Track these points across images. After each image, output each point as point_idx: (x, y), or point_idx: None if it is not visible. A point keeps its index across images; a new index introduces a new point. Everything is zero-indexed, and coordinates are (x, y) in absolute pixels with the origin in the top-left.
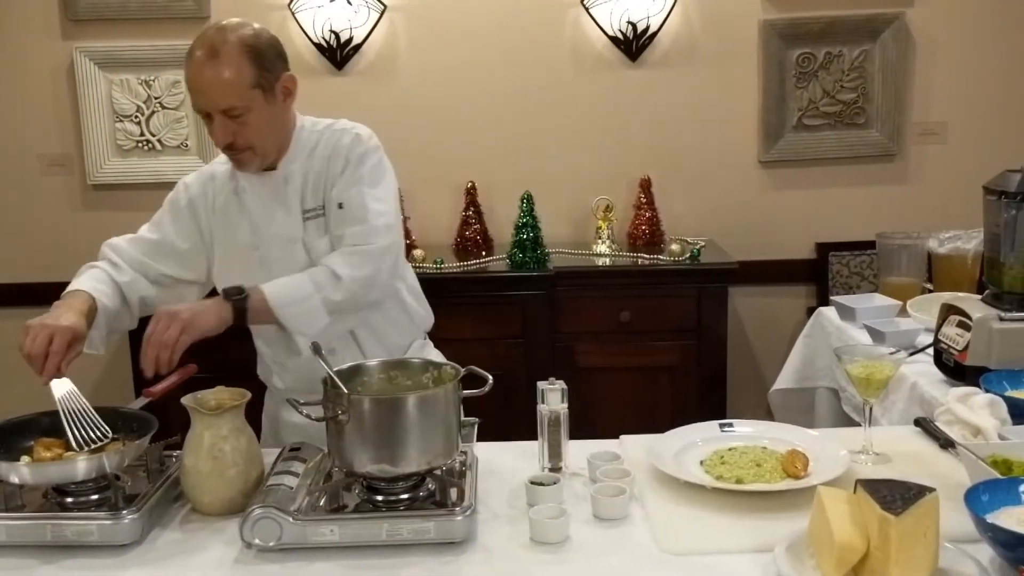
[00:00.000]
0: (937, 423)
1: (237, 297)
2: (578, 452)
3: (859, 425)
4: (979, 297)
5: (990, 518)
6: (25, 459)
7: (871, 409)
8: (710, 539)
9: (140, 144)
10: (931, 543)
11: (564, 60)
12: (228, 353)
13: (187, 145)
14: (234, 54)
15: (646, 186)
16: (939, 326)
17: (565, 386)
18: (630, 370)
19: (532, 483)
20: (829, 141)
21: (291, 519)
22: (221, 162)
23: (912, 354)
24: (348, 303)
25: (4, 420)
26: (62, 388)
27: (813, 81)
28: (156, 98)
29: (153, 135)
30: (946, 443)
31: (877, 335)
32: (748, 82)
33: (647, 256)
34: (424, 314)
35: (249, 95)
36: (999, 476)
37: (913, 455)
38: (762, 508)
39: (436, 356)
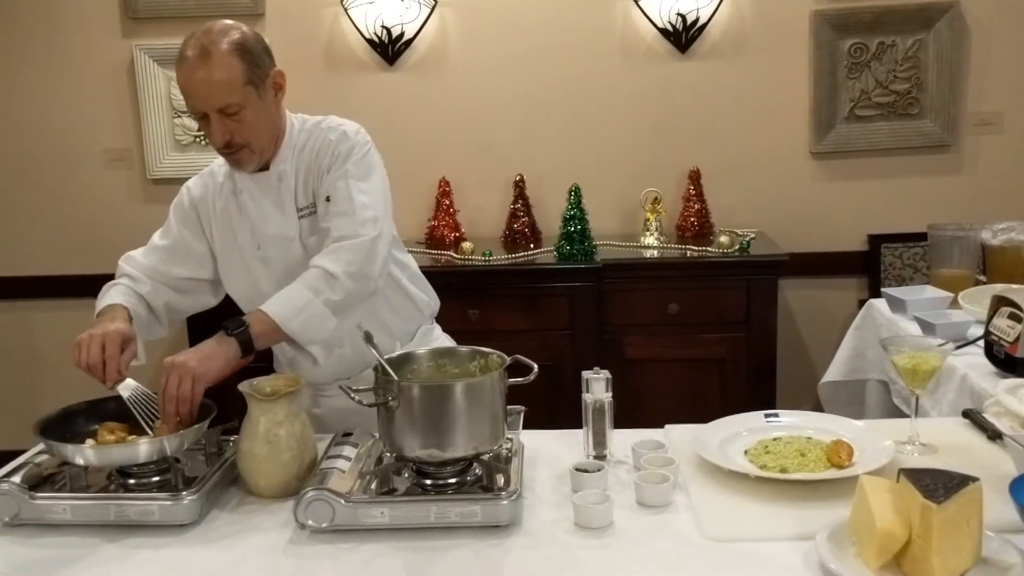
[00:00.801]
0: (985, 415)
1: (238, 331)
2: (623, 441)
3: (908, 417)
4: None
5: None
6: (90, 442)
7: (917, 400)
8: (753, 526)
9: (197, 139)
10: (974, 532)
11: (613, 52)
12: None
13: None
14: (225, 53)
15: (695, 178)
16: (990, 318)
17: (609, 375)
18: (678, 362)
19: (576, 470)
20: (882, 132)
21: (343, 501)
22: (219, 164)
23: (962, 346)
24: (348, 300)
25: (70, 405)
26: (128, 388)
27: (866, 71)
28: None
29: None
30: (994, 434)
31: (927, 327)
32: (799, 73)
33: (696, 248)
34: (427, 300)
35: (243, 92)
36: None
37: (960, 446)
38: (805, 497)
39: (444, 340)
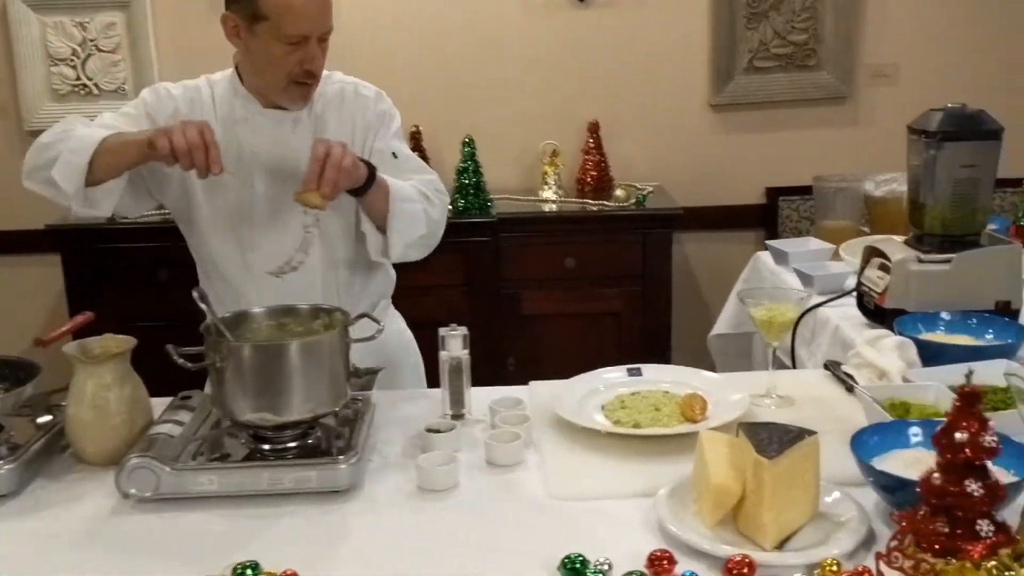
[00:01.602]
0: (847, 366)
1: (371, 166)
2: (486, 399)
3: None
4: (902, 239)
5: (878, 461)
6: None
7: (774, 352)
8: (599, 484)
9: (76, 88)
10: (810, 487)
11: (511, 1)
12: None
13: (124, 89)
14: None
15: (594, 130)
16: (862, 269)
17: (467, 332)
18: (575, 316)
19: (428, 431)
20: (780, 83)
21: (168, 468)
22: (203, 84)
23: (835, 298)
24: (435, 229)
25: None
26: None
27: (764, 22)
28: (91, 40)
29: (89, 79)
30: (851, 387)
31: (806, 279)
32: (698, 23)
33: (594, 202)
34: (393, 275)
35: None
36: (891, 418)
37: (818, 399)
38: (657, 453)
39: (396, 318)
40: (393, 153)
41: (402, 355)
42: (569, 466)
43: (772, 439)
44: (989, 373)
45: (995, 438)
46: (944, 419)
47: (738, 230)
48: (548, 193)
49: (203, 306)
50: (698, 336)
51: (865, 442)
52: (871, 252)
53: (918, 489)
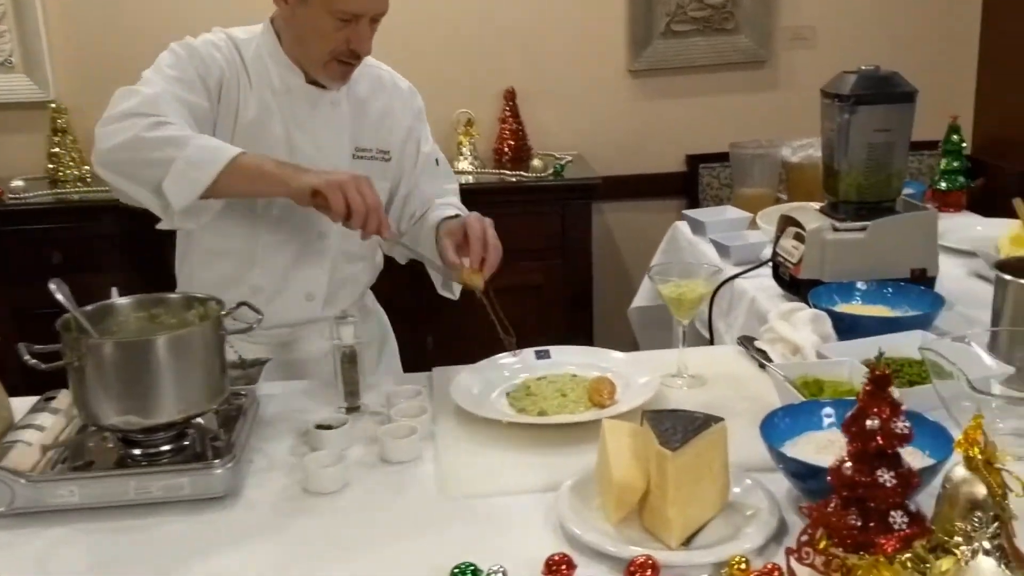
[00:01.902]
0: (760, 341)
1: None
2: (388, 388)
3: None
4: (817, 207)
5: (789, 446)
6: None
7: (684, 331)
8: (498, 479)
9: None
10: (717, 478)
11: None
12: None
13: (11, 62)
14: None
15: (510, 98)
16: (777, 238)
17: (357, 318)
18: (495, 291)
19: (318, 427)
20: (699, 48)
21: (23, 480)
22: (224, 42)
23: (751, 269)
24: None
25: None
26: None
27: None
28: None
29: None
30: (763, 363)
31: (722, 249)
32: None
33: (511, 173)
34: (380, 263)
35: None
36: (803, 399)
37: (731, 377)
38: (563, 442)
39: (372, 303)
40: (436, 160)
41: (384, 331)
42: (467, 461)
43: (676, 428)
44: (905, 345)
45: (907, 424)
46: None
47: (659, 198)
48: (464, 164)
49: (59, 297)
50: (622, 307)
51: (776, 425)
52: (786, 221)
53: (829, 478)
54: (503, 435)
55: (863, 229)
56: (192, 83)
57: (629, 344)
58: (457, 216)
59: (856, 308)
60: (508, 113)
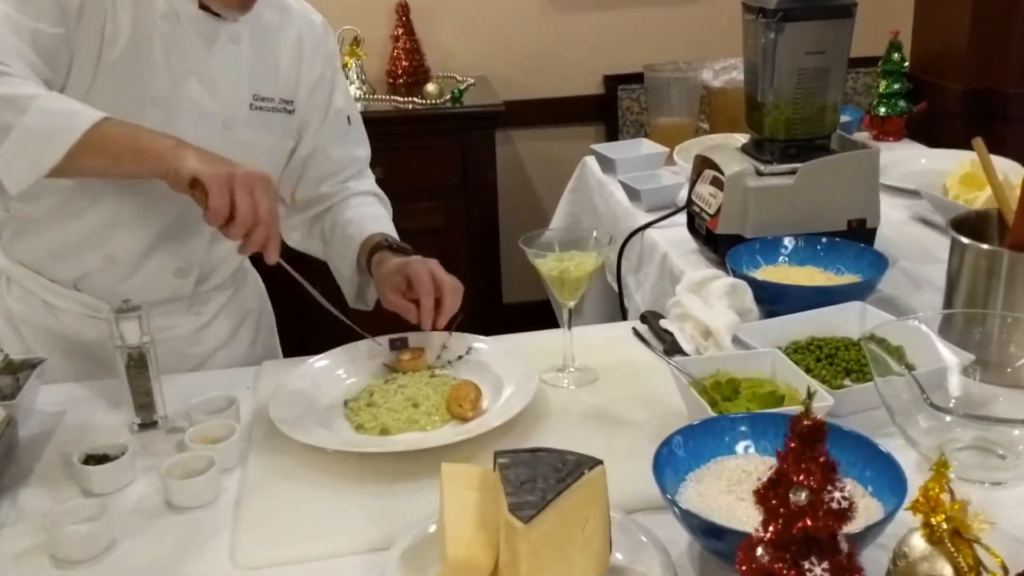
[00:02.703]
0: (667, 320)
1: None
2: (193, 390)
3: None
4: (738, 145)
5: (692, 481)
6: None
7: (570, 315)
8: (310, 538)
9: None
10: (591, 540)
11: None
12: None
13: None
14: None
15: (404, 13)
16: (692, 183)
17: (144, 312)
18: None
19: (88, 460)
20: None
21: None
22: None
23: (665, 217)
24: None
25: None
26: None
27: None
28: None
29: None
30: (671, 348)
31: (632, 193)
32: None
33: (404, 100)
34: None
35: None
36: (710, 411)
37: (629, 368)
38: (407, 473)
39: (247, 263)
40: (348, 118)
41: (261, 303)
42: (276, 509)
43: (535, 481)
44: (840, 321)
45: (846, 495)
46: (778, 400)
47: (574, 124)
48: (351, 90)
49: None
50: None
51: (674, 454)
52: (702, 163)
53: (739, 565)
54: (328, 467)
55: (792, 173)
56: (38, 1)
57: (542, 293)
58: (386, 245)
59: (782, 272)
60: (401, 30)
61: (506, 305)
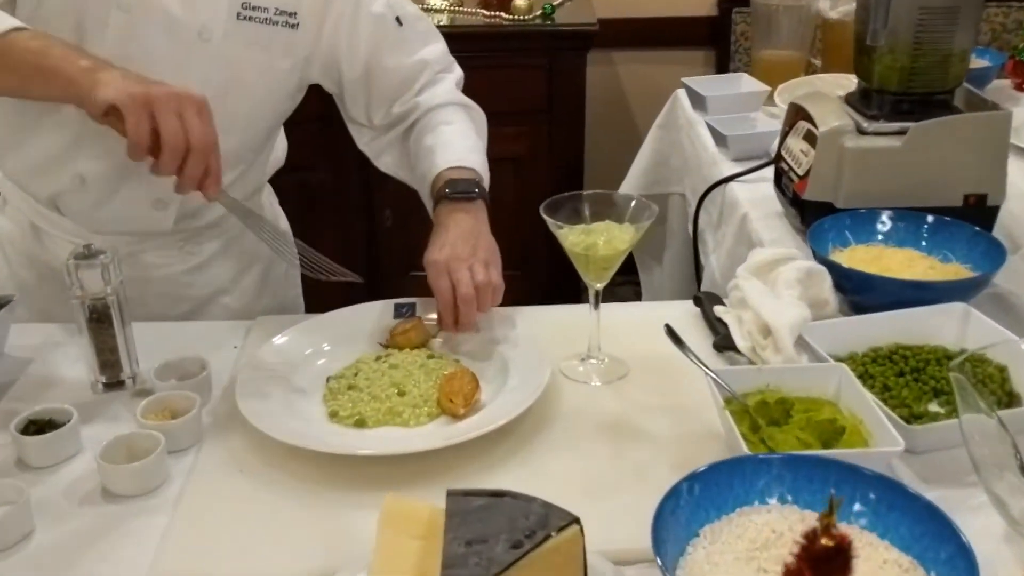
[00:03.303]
0: (722, 309)
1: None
2: (174, 343)
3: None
4: (844, 93)
5: (704, 539)
6: None
7: (598, 296)
8: (239, 556)
9: None
10: None
11: None
12: None
13: None
14: None
15: None
16: (784, 135)
17: (110, 258)
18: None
19: (28, 427)
20: None
21: None
22: None
23: (750, 171)
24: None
25: None
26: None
27: None
28: None
29: None
30: (723, 344)
31: (719, 138)
32: None
33: (488, 14)
34: (286, 147)
35: None
36: (743, 446)
37: (668, 364)
38: (378, 480)
39: (269, 201)
40: (397, 19)
41: (275, 263)
42: (213, 513)
43: (486, 542)
44: (937, 327)
45: None
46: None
47: (680, 48)
48: (435, 1)
49: None
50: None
51: (692, 496)
52: (796, 113)
53: None
54: (291, 459)
55: (901, 133)
56: None
57: None
58: (446, 195)
59: (875, 255)
60: None
61: None
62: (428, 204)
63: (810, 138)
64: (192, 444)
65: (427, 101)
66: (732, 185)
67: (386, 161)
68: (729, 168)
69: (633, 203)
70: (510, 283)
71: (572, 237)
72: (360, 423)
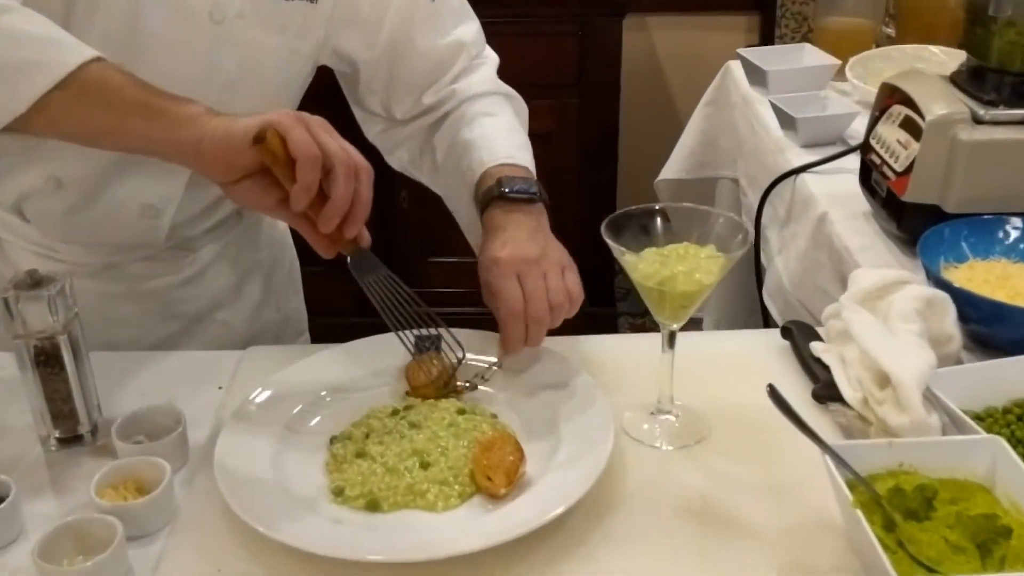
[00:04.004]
0: (819, 345)
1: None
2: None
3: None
4: (942, 71)
5: None
6: None
7: (673, 337)
8: None
9: None
10: None
11: None
12: None
13: None
14: None
15: None
16: (873, 121)
17: (59, 288)
18: None
19: None
20: None
21: None
22: None
23: (829, 160)
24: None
25: None
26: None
27: None
28: None
29: None
30: (825, 394)
31: (786, 119)
32: None
33: None
34: None
35: None
36: (881, 557)
37: (749, 416)
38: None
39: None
40: None
41: (278, 252)
42: None
43: None
44: None
45: None
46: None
47: (723, 13)
48: None
49: None
50: (656, 165)
51: None
52: (891, 94)
53: None
54: (287, 558)
55: None
56: None
57: None
58: (499, 195)
59: (999, 272)
60: None
61: None
62: (465, 209)
63: (911, 127)
64: (161, 527)
65: (465, 90)
66: (804, 177)
67: (401, 157)
68: (797, 156)
69: (721, 221)
70: None
71: (643, 267)
72: (373, 505)
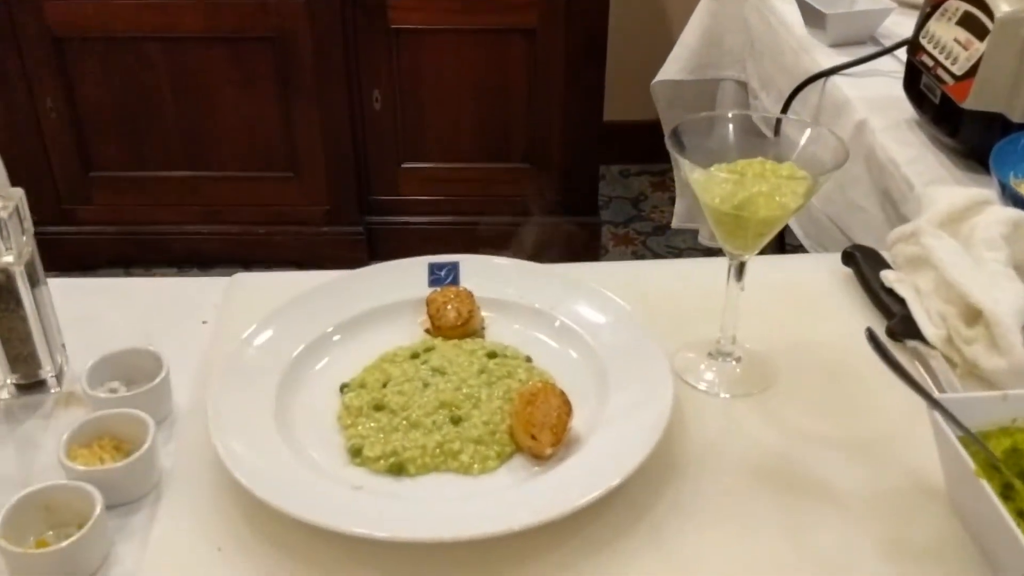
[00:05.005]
0: (888, 273)
1: None
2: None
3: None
4: None
5: None
6: None
7: (741, 269)
8: None
9: None
10: None
11: None
12: None
13: None
14: None
15: None
16: (925, 16)
17: (11, 208)
18: (471, 33)
19: None
20: None
21: None
22: None
23: (864, 61)
24: None
25: None
26: None
27: None
28: None
29: None
30: (901, 330)
31: (813, 16)
32: None
33: None
34: None
35: None
36: (1005, 516)
37: (818, 356)
38: (436, 570)
39: None
40: None
41: None
42: None
43: None
44: None
45: None
46: None
47: None
48: None
49: None
50: (649, 66)
51: None
52: None
53: None
54: (299, 532)
55: None
56: None
57: (652, 112)
58: None
59: None
60: None
61: (607, 124)
62: None
63: (972, 25)
64: (145, 493)
65: None
66: (836, 80)
67: None
68: (825, 56)
69: (808, 133)
70: (519, 177)
71: (716, 187)
72: (397, 468)
